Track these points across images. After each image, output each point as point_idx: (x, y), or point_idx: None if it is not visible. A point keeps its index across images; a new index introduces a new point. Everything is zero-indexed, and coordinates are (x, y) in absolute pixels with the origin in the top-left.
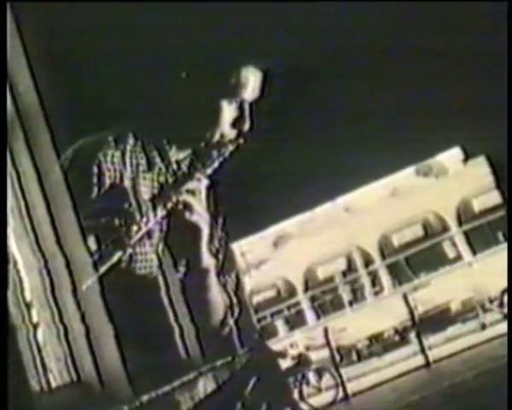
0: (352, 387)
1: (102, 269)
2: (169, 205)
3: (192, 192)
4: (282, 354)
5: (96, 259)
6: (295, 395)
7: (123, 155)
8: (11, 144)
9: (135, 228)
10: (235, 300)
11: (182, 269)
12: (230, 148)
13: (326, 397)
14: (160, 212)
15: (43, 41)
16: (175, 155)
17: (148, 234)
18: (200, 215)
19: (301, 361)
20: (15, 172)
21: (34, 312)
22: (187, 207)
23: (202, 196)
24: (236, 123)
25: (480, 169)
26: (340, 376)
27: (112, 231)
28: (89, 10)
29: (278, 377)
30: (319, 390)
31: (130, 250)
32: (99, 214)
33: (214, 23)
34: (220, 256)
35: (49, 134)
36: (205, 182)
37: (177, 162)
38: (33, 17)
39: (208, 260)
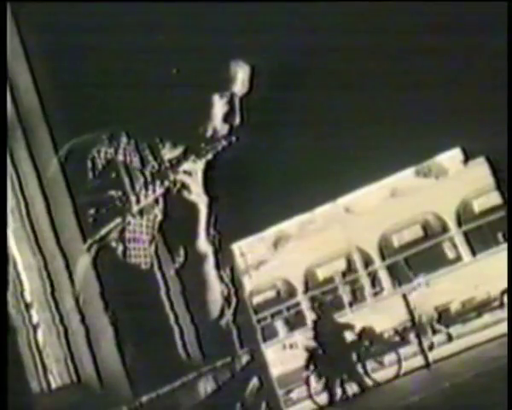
0: (351, 387)
1: (102, 231)
2: (166, 183)
3: (189, 173)
4: (348, 326)
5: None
6: (359, 369)
7: (116, 153)
8: (11, 145)
9: (133, 199)
10: (232, 289)
11: (178, 263)
12: (223, 142)
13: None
14: (159, 188)
15: (44, 41)
16: (168, 153)
17: (146, 233)
18: (198, 195)
19: (365, 335)
20: (15, 173)
21: (34, 313)
22: (184, 186)
23: (198, 178)
24: (228, 117)
25: (480, 170)
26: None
27: (111, 204)
28: (88, 10)
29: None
30: (381, 365)
31: (129, 218)
32: (97, 194)
33: (203, 19)
34: (217, 242)
35: (48, 134)
36: (200, 164)
37: (170, 161)
38: (33, 17)
39: (205, 247)
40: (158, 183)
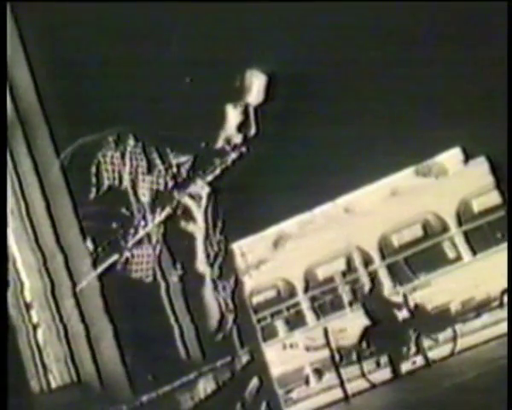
0: (352, 387)
1: (98, 270)
2: (168, 209)
3: (192, 197)
4: (399, 305)
5: (94, 258)
6: (413, 348)
7: (122, 156)
8: (11, 144)
9: (132, 231)
10: (231, 306)
11: (179, 271)
12: (233, 155)
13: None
14: (159, 215)
15: (43, 41)
16: (176, 158)
17: (147, 236)
18: (196, 224)
19: (418, 313)
20: (15, 173)
21: (34, 312)
22: (185, 212)
23: (202, 203)
24: (242, 127)
25: (480, 170)
26: (341, 376)
27: (109, 234)
28: (90, 10)
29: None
30: (437, 342)
31: (126, 253)
32: (96, 217)
33: (218, 26)
34: (216, 264)
35: (48, 134)
36: (206, 189)
37: (178, 166)
38: (33, 17)
39: (204, 268)
40: (158, 210)
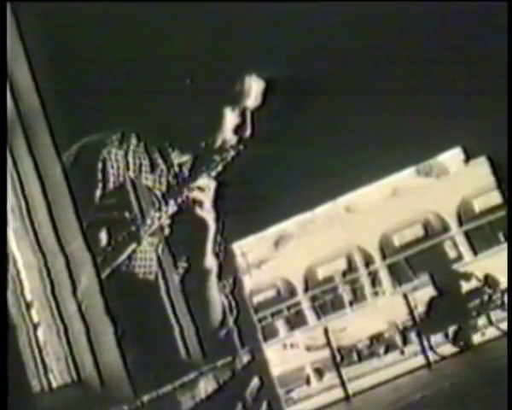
0: (352, 387)
1: (120, 259)
2: (179, 200)
3: (202, 189)
4: (466, 276)
5: (99, 257)
6: (480, 320)
7: (126, 154)
8: (11, 144)
9: (149, 222)
10: (233, 302)
11: (181, 270)
12: (232, 153)
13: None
14: (171, 207)
15: (43, 41)
16: (177, 157)
17: (151, 235)
18: (209, 212)
19: (487, 284)
20: (16, 172)
21: (34, 311)
22: (196, 203)
23: (210, 195)
24: (238, 129)
25: (481, 169)
26: (341, 376)
27: (122, 225)
28: (91, 11)
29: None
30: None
31: (144, 242)
32: (109, 209)
33: (220, 33)
34: (221, 257)
35: (49, 134)
36: (213, 183)
37: (179, 165)
38: (33, 17)
39: (211, 261)
40: (171, 202)
